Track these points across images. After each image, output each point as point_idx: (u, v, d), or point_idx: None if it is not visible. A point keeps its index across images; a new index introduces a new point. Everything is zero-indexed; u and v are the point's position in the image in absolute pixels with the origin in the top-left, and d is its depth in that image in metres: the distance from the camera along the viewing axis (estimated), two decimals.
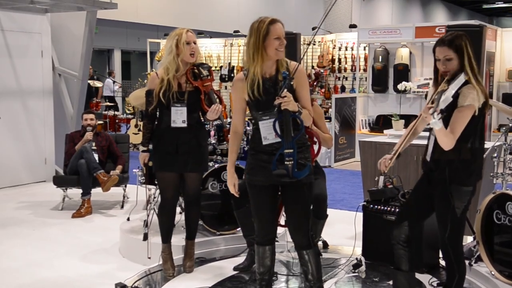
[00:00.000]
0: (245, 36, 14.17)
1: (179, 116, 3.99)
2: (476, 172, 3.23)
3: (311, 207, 4.31)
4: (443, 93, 3.07)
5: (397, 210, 4.33)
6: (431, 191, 3.30)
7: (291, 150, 3.05)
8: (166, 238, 4.26)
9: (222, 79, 13.06)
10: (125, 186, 6.66)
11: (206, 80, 4.05)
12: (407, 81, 9.41)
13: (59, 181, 6.53)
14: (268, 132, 3.12)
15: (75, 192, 6.60)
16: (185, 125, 4.00)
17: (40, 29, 8.01)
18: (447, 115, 3.03)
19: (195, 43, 4.02)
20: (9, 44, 7.69)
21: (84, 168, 6.18)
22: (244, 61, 3.20)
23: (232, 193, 4.26)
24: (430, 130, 3.31)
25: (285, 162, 3.05)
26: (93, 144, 6.52)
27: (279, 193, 3.31)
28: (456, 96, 3.06)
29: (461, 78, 3.07)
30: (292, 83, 3.10)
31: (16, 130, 7.82)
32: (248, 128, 5.23)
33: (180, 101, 3.99)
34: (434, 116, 2.92)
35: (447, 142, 3.05)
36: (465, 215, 3.31)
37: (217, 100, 4.05)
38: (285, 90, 3.00)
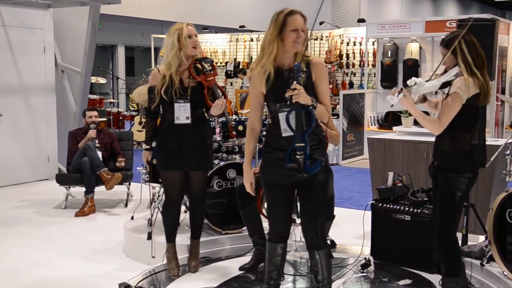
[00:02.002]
0: (251, 31, 14.17)
1: (182, 113, 3.98)
2: (475, 160, 3.43)
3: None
4: (430, 79, 3.41)
5: (407, 208, 4.32)
6: (436, 177, 3.53)
7: (303, 144, 3.02)
8: (171, 237, 4.26)
9: (228, 75, 13.05)
10: (129, 184, 6.67)
11: (209, 75, 4.04)
12: (417, 76, 9.26)
13: (62, 179, 6.54)
14: (285, 125, 3.10)
15: (78, 191, 6.61)
16: (189, 121, 3.99)
17: (42, 25, 8.02)
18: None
19: (196, 36, 4.02)
20: (11, 40, 7.71)
21: (87, 166, 6.19)
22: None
23: (238, 192, 4.28)
24: None
25: (296, 156, 3.03)
26: (96, 141, 6.53)
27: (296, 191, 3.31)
28: (448, 86, 3.36)
29: (453, 70, 3.37)
30: (302, 76, 3.06)
31: (18, 128, 7.84)
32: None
33: (183, 97, 3.98)
34: (396, 95, 3.31)
35: (431, 127, 3.37)
36: (462, 204, 3.57)
37: (221, 95, 4.04)
38: (295, 82, 2.98)
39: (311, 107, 3.03)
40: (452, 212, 3.44)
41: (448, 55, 3.37)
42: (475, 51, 3.37)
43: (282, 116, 3.11)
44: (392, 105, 3.32)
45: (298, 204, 3.39)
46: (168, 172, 4.12)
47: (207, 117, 4.20)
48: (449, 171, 3.40)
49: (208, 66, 4.05)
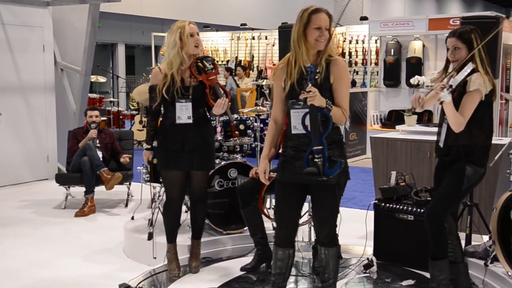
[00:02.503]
0: (252, 29, 14.18)
1: (184, 112, 3.99)
2: (487, 156, 3.53)
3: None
4: (452, 77, 3.36)
5: (410, 208, 4.32)
6: (445, 173, 3.55)
7: (321, 147, 3.01)
8: (172, 238, 4.26)
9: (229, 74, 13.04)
10: (129, 184, 6.67)
11: (210, 74, 4.04)
12: (420, 75, 9.33)
13: (61, 179, 6.55)
14: (298, 122, 3.10)
15: (78, 191, 6.62)
16: (190, 121, 3.99)
17: (41, 23, 8.02)
18: (457, 101, 3.34)
19: (198, 34, 4.03)
20: (10, 39, 7.71)
21: (87, 165, 6.19)
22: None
23: (239, 191, 4.28)
24: (442, 117, 3.55)
25: (315, 160, 3.02)
26: (97, 141, 6.54)
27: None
28: (464, 83, 3.35)
29: (469, 65, 3.36)
30: (317, 77, 3.04)
31: (17, 127, 7.85)
32: (256, 124, 5.22)
33: (185, 96, 3.98)
34: (444, 91, 3.20)
35: (456, 122, 3.32)
36: (465, 195, 3.72)
37: (223, 94, 4.04)
38: (310, 84, 2.97)
39: (325, 109, 3.02)
40: (454, 196, 3.51)
41: (462, 47, 3.41)
42: (485, 48, 3.44)
43: (293, 113, 3.11)
44: (441, 102, 3.25)
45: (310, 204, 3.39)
46: (169, 172, 4.12)
47: (209, 117, 4.20)
48: (468, 162, 3.44)
49: (210, 65, 4.06)
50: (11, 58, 7.75)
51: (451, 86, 3.24)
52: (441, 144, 3.59)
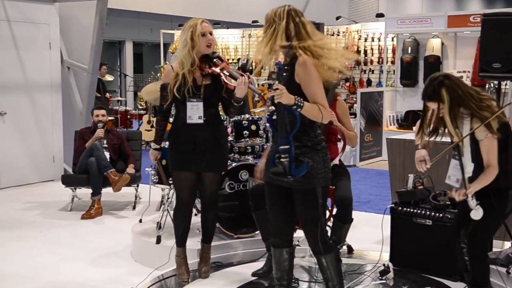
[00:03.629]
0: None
1: (195, 112, 4.00)
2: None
3: (334, 211, 4.30)
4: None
5: (428, 213, 4.29)
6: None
7: (287, 147, 3.02)
8: (181, 242, 4.27)
9: None
10: (137, 186, 6.69)
11: (219, 64, 4.03)
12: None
13: (67, 180, 6.58)
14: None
15: (85, 192, 6.65)
16: (201, 121, 4.01)
17: (48, 20, 8.07)
18: (474, 148, 3.36)
19: (211, 34, 4.01)
20: (16, 36, 7.76)
21: (94, 166, 6.22)
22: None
23: (251, 194, 4.28)
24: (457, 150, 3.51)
25: (281, 159, 3.02)
26: (104, 142, 6.56)
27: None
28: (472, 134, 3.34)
29: (466, 124, 3.36)
30: (284, 74, 3.06)
31: (22, 127, 7.90)
32: (267, 124, 5.22)
33: (196, 95, 4.00)
34: (470, 200, 3.30)
35: (492, 176, 3.33)
36: (503, 220, 3.54)
37: (240, 75, 4.01)
38: (277, 82, 3.00)
39: (295, 107, 3.01)
40: (498, 221, 3.50)
41: (441, 105, 3.38)
42: (462, 89, 3.36)
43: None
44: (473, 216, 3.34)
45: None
46: (179, 173, 4.13)
47: (222, 117, 4.21)
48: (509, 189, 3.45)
49: (215, 56, 4.04)
50: (16, 55, 7.80)
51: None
52: (453, 183, 3.56)
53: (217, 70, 4.01)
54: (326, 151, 3.21)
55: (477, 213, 3.30)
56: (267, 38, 3.13)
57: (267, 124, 5.22)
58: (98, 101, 10.58)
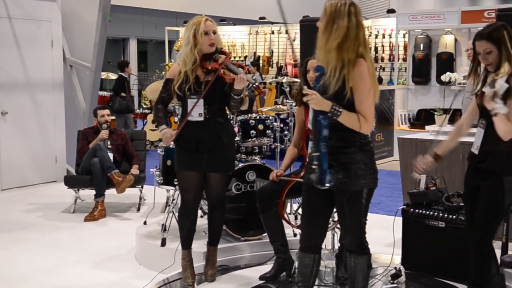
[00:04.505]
0: (271, 23, 14.09)
1: (195, 109, 3.98)
2: None
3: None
4: (495, 82, 3.26)
5: (441, 214, 4.29)
6: (478, 183, 3.48)
7: (318, 154, 3.01)
8: (187, 244, 4.27)
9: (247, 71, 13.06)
10: (142, 187, 6.71)
11: (219, 58, 4.02)
12: (452, 71, 9.28)
13: (70, 181, 6.60)
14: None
15: (88, 194, 6.67)
16: (201, 118, 4.00)
17: (50, 17, 8.10)
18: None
19: (214, 32, 4.01)
20: (17, 33, 7.80)
21: (97, 167, 6.24)
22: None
23: (259, 195, 4.28)
24: (478, 123, 3.48)
25: (312, 167, 3.03)
26: (108, 142, 6.58)
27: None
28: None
29: (506, 69, 3.28)
30: (321, 80, 3.05)
31: (24, 126, 7.93)
32: (275, 124, 5.23)
33: (197, 92, 4.00)
34: (497, 101, 3.16)
35: (507, 131, 3.22)
36: (508, 212, 3.58)
37: (239, 68, 3.99)
38: (305, 87, 3.00)
39: (329, 114, 3.00)
40: (499, 219, 3.47)
41: (493, 49, 3.31)
42: None
43: (311, 108, 3.11)
44: (495, 114, 3.22)
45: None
46: (184, 172, 4.14)
47: (228, 116, 4.21)
48: (505, 174, 3.36)
49: (217, 51, 4.04)
50: (17, 53, 7.84)
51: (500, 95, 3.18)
52: (475, 151, 3.50)
53: (216, 65, 4.00)
54: (373, 152, 3.21)
55: (503, 108, 3.19)
56: (326, 36, 3.06)
57: (275, 124, 5.22)
58: (124, 101, 10.65)
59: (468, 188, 3.61)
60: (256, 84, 4.19)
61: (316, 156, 3.01)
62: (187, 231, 4.24)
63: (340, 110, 3.01)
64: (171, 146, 4.57)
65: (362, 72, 3.04)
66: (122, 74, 11.06)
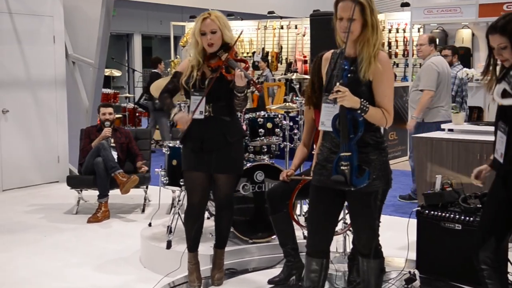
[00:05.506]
0: (281, 17, 14.08)
1: (199, 107, 3.96)
2: None
3: None
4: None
5: (457, 216, 4.27)
6: (508, 195, 3.23)
7: (349, 154, 2.99)
8: (193, 247, 4.27)
9: (255, 67, 13.06)
10: (147, 188, 6.73)
11: (223, 55, 3.99)
12: (469, 67, 9.25)
13: (73, 181, 6.63)
14: (327, 118, 3.07)
15: (91, 194, 6.69)
16: (202, 116, 3.95)
17: (51, 12, 8.13)
18: None
19: (213, 32, 3.97)
20: (18, 29, 7.83)
21: (101, 167, 6.25)
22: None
23: (269, 196, 4.28)
24: (496, 124, 3.29)
25: (342, 167, 3.00)
26: (112, 141, 6.59)
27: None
28: None
29: None
30: (350, 75, 3.03)
31: (25, 125, 7.97)
32: (284, 122, 5.23)
33: (202, 90, 3.99)
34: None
35: None
36: None
37: (240, 64, 3.97)
38: (338, 83, 2.95)
39: (359, 111, 2.99)
40: None
41: (508, 44, 3.10)
42: None
43: (324, 107, 3.10)
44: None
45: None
46: (190, 173, 4.14)
47: (237, 114, 4.21)
48: None
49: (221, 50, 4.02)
50: (18, 50, 7.87)
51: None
52: (499, 158, 3.26)
53: (220, 62, 3.98)
54: (387, 152, 3.20)
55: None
56: (362, 30, 3.08)
57: (284, 122, 5.21)
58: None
59: (497, 200, 3.32)
60: (253, 79, 4.14)
61: (346, 156, 2.99)
62: (193, 234, 4.22)
63: (368, 105, 3.01)
64: (176, 146, 4.53)
65: (386, 65, 3.08)
66: (156, 71, 11.07)
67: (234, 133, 4.14)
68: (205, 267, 4.38)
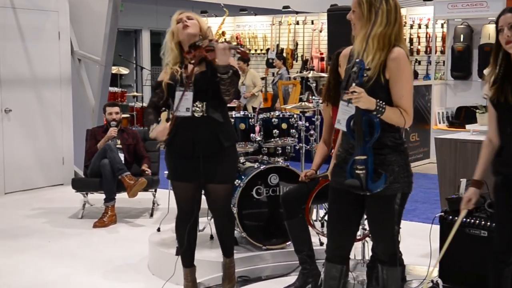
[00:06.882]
0: (296, 12, 14.10)
1: (183, 103, 3.76)
2: None
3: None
4: None
5: (483, 222, 4.25)
6: None
7: (364, 157, 2.99)
8: (187, 261, 4.13)
9: (269, 64, 13.06)
10: (155, 191, 6.74)
11: (203, 44, 3.78)
12: None
13: (78, 184, 6.66)
14: (343, 117, 3.06)
15: (97, 198, 6.72)
16: (188, 114, 3.76)
17: (57, 7, 8.18)
18: None
19: (190, 18, 3.88)
20: (22, 25, 7.88)
21: (107, 169, 6.27)
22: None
23: (284, 200, 4.27)
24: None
25: (357, 171, 3.00)
26: (118, 142, 6.61)
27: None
28: None
29: None
30: (365, 75, 2.98)
31: (29, 125, 8.01)
32: (300, 122, 5.23)
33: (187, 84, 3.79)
34: None
35: None
36: None
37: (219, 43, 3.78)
38: (354, 84, 2.92)
39: (375, 112, 2.98)
40: None
41: None
42: None
43: (341, 105, 3.09)
44: None
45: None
46: (177, 183, 4.00)
47: (231, 115, 4.14)
48: None
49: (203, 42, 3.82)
50: (22, 46, 7.91)
51: None
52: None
53: (204, 53, 3.76)
54: (408, 153, 3.18)
55: None
56: (363, 22, 3.05)
57: (300, 122, 5.21)
58: None
59: (500, 198, 3.40)
60: (243, 50, 4.01)
61: (361, 160, 2.98)
62: (186, 246, 4.03)
63: (384, 106, 3.00)
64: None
65: (403, 62, 3.04)
66: None
67: (229, 136, 3.96)
68: (217, 274, 4.37)
